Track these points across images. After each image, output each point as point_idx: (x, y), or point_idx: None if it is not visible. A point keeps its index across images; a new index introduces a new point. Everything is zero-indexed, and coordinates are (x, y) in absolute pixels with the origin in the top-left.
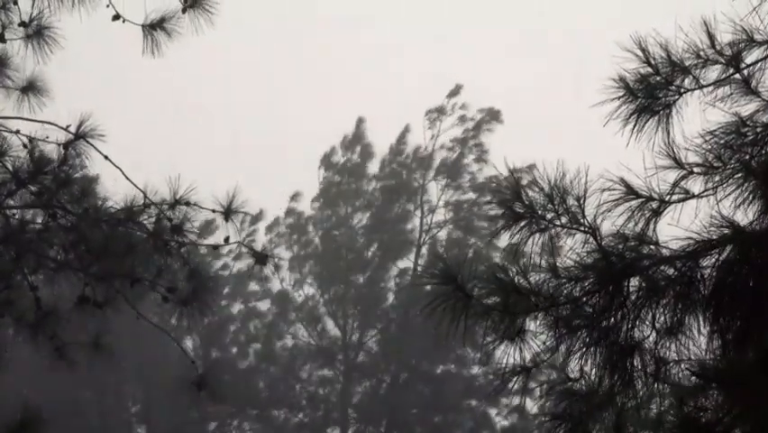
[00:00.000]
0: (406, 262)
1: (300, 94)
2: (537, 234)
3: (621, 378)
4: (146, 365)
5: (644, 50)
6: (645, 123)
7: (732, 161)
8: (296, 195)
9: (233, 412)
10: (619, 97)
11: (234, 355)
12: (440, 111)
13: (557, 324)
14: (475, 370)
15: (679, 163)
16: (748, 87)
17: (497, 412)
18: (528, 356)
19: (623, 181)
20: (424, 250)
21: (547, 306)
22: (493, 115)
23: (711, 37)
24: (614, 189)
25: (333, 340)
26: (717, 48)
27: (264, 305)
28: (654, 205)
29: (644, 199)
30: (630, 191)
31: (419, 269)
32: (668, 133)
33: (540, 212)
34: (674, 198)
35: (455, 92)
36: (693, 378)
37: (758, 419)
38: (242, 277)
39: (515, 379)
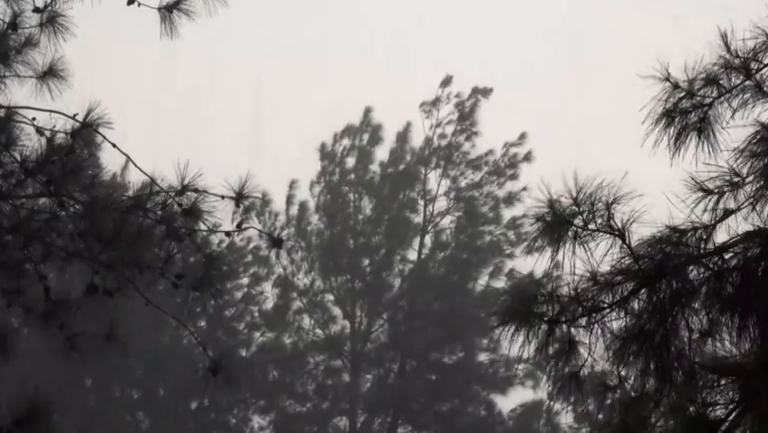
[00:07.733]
0: (411, 252)
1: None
2: (569, 243)
3: (666, 382)
4: (150, 351)
5: (665, 74)
6: (687, 137)
7: (748, 177)
8: (293, 182)
9: (239, 401)
10: (660, 119)
11: (239, 344)
12: (434, 103)
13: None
14: (482, 357)
15: (706, 190)
16: (760, 90)
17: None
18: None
19: (668, 227)
20: (428, 239)
21: (589, 311)
22: (483, 93)
23: (727, 43)
24: (665, 237)
25: (340, 329)
26: (733, 53)
27: (268, 292)
28: (701, 233)
29: (691, 231)
30: (675, 230)
31: (423, 256)
32: (711, 145)
33: (569, 219)
34: (717, 218)
35: (447, 82)
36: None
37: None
38: (246, 263)
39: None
